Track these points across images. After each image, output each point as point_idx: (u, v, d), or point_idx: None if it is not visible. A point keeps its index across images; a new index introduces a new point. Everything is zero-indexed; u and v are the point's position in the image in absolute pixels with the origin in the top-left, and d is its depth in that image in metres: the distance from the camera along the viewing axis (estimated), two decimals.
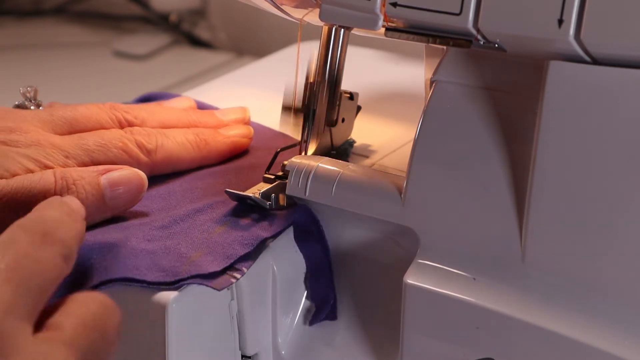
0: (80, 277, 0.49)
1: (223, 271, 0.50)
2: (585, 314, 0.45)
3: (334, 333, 0.55)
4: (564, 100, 0.44)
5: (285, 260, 0.54)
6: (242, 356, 0.53)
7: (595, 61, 0.43)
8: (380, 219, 0.52)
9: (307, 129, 0.57)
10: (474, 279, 0.48)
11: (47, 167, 0.54)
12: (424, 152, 0.50)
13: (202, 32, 1.15)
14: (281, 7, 0.56)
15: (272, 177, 0.55)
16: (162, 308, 0.47)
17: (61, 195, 0.52)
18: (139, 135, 0.59)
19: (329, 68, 0.56)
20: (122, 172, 0.54)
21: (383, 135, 0.65)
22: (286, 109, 0.58)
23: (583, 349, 0.45)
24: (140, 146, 0.58)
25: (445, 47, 0.48)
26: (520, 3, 0.43)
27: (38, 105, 0.61)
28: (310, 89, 0.57)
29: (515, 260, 0.47)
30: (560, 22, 0.42)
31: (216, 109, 0.67)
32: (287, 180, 0.54)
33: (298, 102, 0.57)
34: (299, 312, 0.56)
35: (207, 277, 0.49)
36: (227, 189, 0.54)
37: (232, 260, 0.50)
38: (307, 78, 0.57)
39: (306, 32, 0.58)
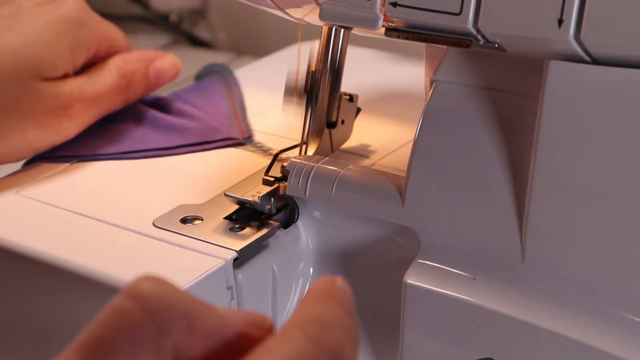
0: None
1: None
2: (585, 314, 0.45)
3: None
4: (564, 100, 0.44)
5: (285, 260, 0.54)
6: None
7: (595, 61, 0.43)
8: (380, 219, 0.52)
9: (309, 113, 0.57)
10: (474, 279, 0.48)
11: None
12: (424, 152, 0.50)
13: (202, 32, 1.15)
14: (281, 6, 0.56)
15: (272, 179, 0.55)
16: None
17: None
18: None
19: (330, 56, 0.56)
20: (166, 61, 0.71)
21: (383, 135, 0.65)
22: (288, 94, 0.57)
23: (583, 348, 0.44)
24: None
25: (445, 47, 0.48)
26: (520, 3, 0.43)
27: None
28: (313, 77, 0.57)
29: (515, 260, 0.47)
30: (560, 22, 0.42)
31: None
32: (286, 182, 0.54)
33: (300, 92, 0.58)
34: None
35: None
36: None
37: None
38: (309, 67, 0.57)
39: (306, 32, 0.58)
